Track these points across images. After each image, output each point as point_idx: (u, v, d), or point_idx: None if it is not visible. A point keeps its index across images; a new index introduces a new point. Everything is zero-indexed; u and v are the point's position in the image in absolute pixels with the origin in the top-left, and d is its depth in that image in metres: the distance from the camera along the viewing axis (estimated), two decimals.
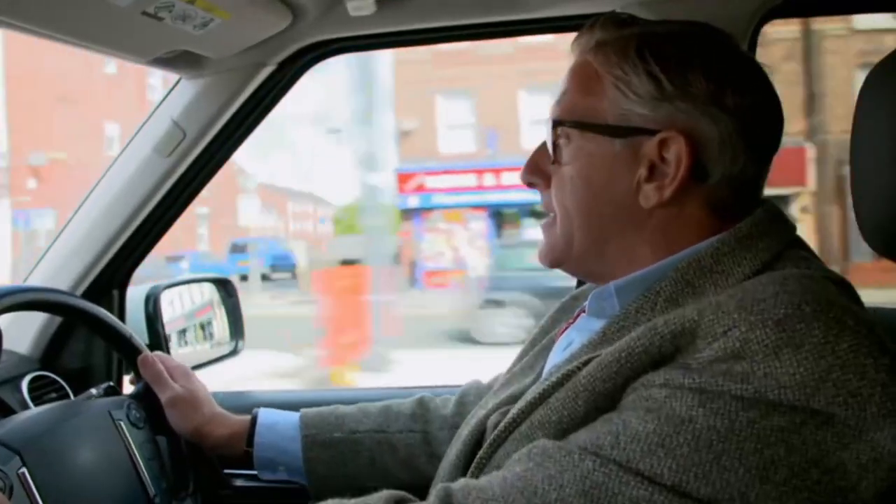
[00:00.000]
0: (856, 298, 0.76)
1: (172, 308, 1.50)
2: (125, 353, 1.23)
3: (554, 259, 0.90)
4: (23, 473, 0.91)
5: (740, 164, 0.81)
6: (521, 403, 0.82)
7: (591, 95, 0.84)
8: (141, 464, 1.10)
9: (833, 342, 0.64)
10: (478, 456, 0.83)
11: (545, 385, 0.79)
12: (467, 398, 1.23)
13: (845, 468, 0.62)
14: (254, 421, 1.21)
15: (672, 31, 0.85)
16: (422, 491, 0.78)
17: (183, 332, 1.53)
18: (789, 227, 0.83)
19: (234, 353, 1.60)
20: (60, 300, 1.16)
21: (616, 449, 0.66)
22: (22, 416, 1.06)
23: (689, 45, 0.83)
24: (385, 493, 0.78)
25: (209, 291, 1.62)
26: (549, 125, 0.87)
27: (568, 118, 0.85)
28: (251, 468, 1.22)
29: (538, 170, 0.90)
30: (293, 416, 1.22)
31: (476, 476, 0.80)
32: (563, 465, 0.67)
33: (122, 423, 1.11)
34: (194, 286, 1.61)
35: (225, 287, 1.62)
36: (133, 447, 1.10)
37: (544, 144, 0.89)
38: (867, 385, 0.63)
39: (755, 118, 0.81)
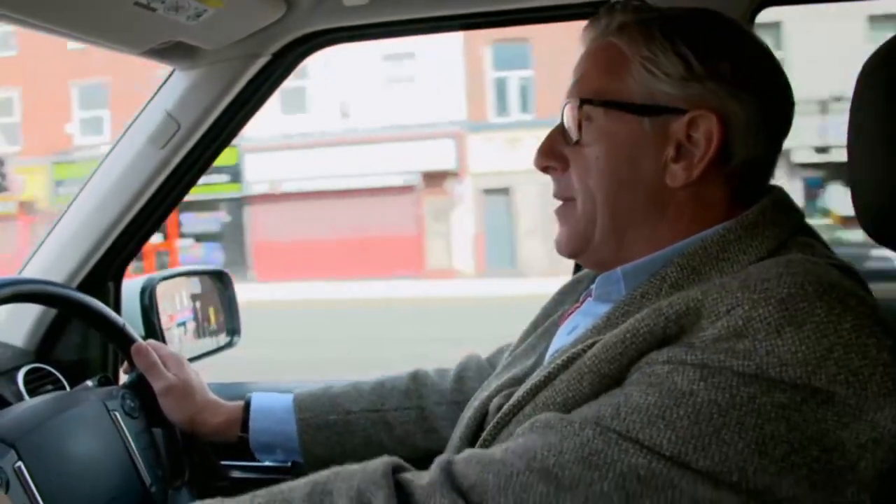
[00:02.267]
0: (862, 284, 0.76)
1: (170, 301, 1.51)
2: (118, 343, 1.23)
3: (576, 247, 0.89)
4: (19, 467, 0.91)
5: (760, 147, 0.82)
6: (525, 385, 0.82)
7: (616, 76, 0.83)
8: (136, 454, 1.11)
9: (835, 321, 0.65)
10: (481, 437, 0.84)
11: (550, 367, 0.79)
12: (466, 373, 1.23)
13: (844, 447, 0.62)
14: (247, 406, 1.21)
15: (691, 16, 0.85)
16: (419, 464, 0.78)
17: (180, 324, 1.53)
18: (796, 214, 0.84)
19: (229, 345, 1.61)
20: (54, 292, 1.16)
21: (616, 419, 0.66)
22: (17, 410, 1.06)
23: (711, 29, 0.84)
24: (386, 458, 0.78)
25: (205, 283, 1.62)
26: (574, 104, 0.85)
27: (595, 97, 0.84)
28: (246, 455, 1.22)
29: (555, 153, 0.89)
30: (286, 399, 1.22)
31: None
32: (564, 433, 0.68)
33: (116, 414, 1.11)
34: (190, 278, 1.61)
35: (221, 279, 1.62)
36: (128, 437, 1.11)
37: (557, 128, 0.89)
38: (868, 364, 0.64)
39: (774, 101, 0.83)
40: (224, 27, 1.24)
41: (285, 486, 0.73)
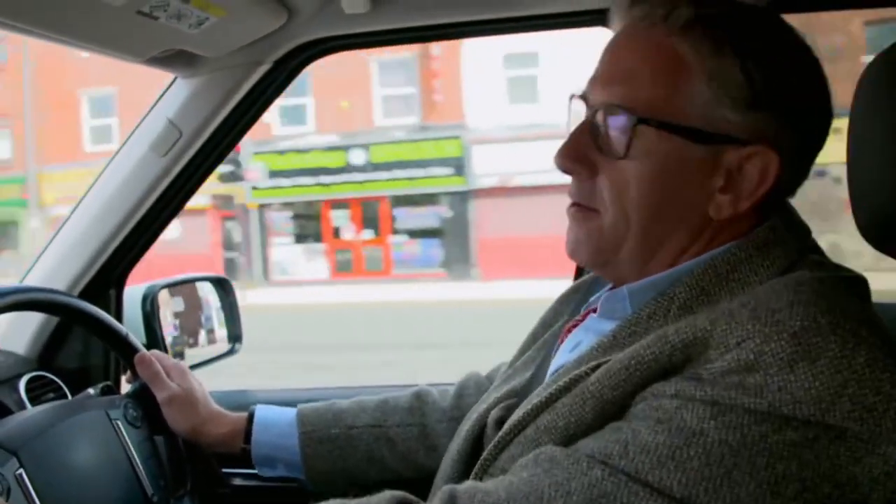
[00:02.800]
0: (867, 296, 0.75)
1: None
2: (122, 353, 1.23)
3: (596, 261, 0.84)
4: (20, 475, 0.91)
5: (803, 175, 0.80)
6: (526, 406, 0.80)
7: (674, 89, 0.74)
8: (139, 463, 1.10)
9: (849, 356, 0.63)
10: (482, 457, 0.82)
11: (552, 388, 0.77)
12: (466, 391, 1.22)
13: (857, 482, 0.62)
14: (251, 418, 1.21)
15: (756, 19, 0.77)
16: (421, 484, 0.78)
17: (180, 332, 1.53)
18: (804, 231, 0.82)
19: (231, 352, 1.60)
20: (56, 300, 1.16)
21: (625, 459, 0.65)
22: (19, 418, 1.06)
23: (777, 40, 0.77)
24: (388, 493, 0.78)
25: (206, 290, 1.61)
26: (619, 113, 0.76)
27: (649, 115, 0.75)
28: (249, 465, 1.22)
29: (583, 158, 0.80)
30: (290, 413, 1.22)
31: (480, 478, 0.80)
32: (571, 472, 0.66)
33: (119, 423, 1.11)
34: (192, 285, 1.61)
35: (222, 286, 1.62)
36: (130, 447, 1.11)
37: (588, 127, 0.80)
38: (882, 400, 0.62)
39: (823, 127, 0.78)
40: (226, 35, 1.25)
41: None
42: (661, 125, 0.74)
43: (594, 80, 0.81)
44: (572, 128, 0.83)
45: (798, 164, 0.78)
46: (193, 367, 1.39)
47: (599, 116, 0.78)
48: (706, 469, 0.62)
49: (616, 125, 0.77)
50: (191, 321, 1.55)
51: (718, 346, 0.66)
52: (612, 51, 0.80)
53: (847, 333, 0.64)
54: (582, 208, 0.82)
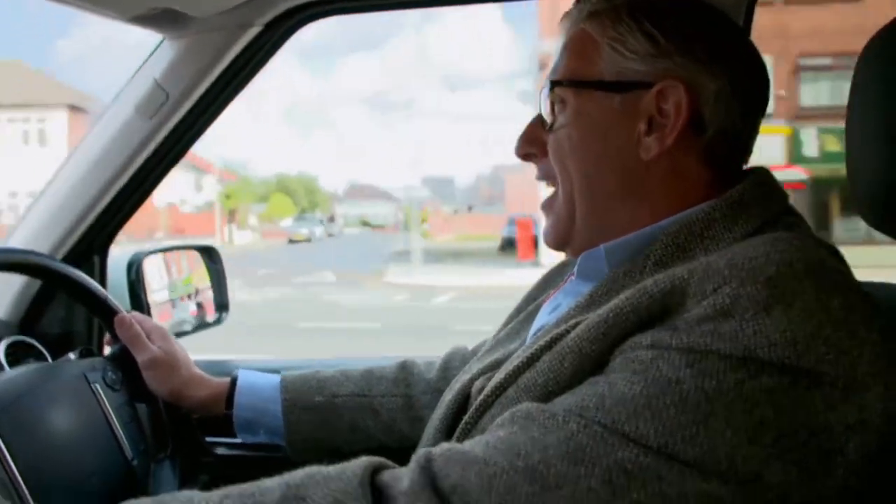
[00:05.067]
0: (845, 265, 0.75)
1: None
2: (101, 315, 1.21)
3: (559, 234, 0.89)
4: None
5: (734, 118, 0.82)
6: (507, 367, 0.81)
7: (587, 59, 0.85)
8: (118, 427, 1.09)
9: (825, 300, 0.64)
10: (463, 420, 0.83)
11: (533, 348, 0.78)
12: (452, 363, 1.22)
13: (832, 429, 0.61)
14: (233, 383, 1.20)
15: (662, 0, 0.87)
16: (404, 453, 0.76)
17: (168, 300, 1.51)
18: (781, 194, 0.83)
19: (218, 321, 1.59)
20: (32, 261, 1.14)
21: (601, 411, 0.65)
22: None
23: (679, 8, 0.85)
24: (364, 459, 0.76)
25: (193, 259, 1.59)
26: (546, 88, 0.88)
27: (565, 79, 0.86)
28: (230, 432, 1.21)
29: (534, 139, 0.90)
30: (273, 379, 1.21)
31: (461, 441, 0.79)
32: (547, 426, 0.66)
33: (97, 386, 1.09)
34: (178, 253, 1.59)
35: (209, 254, 1.60)
36: (110, 410, 1.09)
37: (537, 116, 0.90)
38: (857, 344, 0.63)
39: (744, 73, 0.83)
40: None
41: (255, 488, 0.70)
42: (572, 83, 0.85)
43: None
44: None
45: (726, 104, 0.81)
46: (179, 335, 1.37)
47: (540, 101, 0.89)
48: (682, 417, 0.62)
49: (545, 99, 0.88)
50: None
51: (695, 294, 0.66)
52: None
53: (822, 278, 0.65)
54: (548, 197, 0.91)
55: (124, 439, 1.09)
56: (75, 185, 1.39)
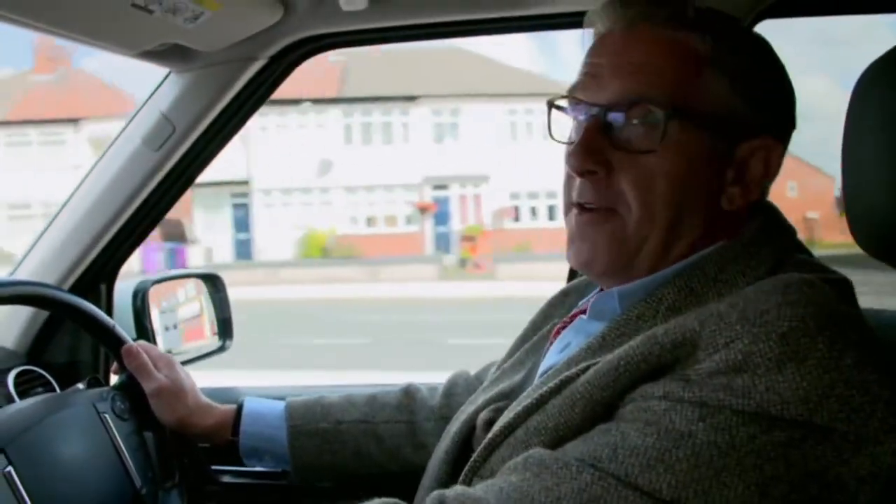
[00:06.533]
0: (854, 300, 0.75)
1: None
2: (108, 344, 1.22)
3: (616, 264, 0.80)
4: (8, 472, 0.90)
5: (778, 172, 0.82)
6: (517, 407, 0.80)
7: (692, 82, 0.75)
8: (127, 456, 1.10)
9: (837, 357, 0.63)
10: (472, 459, 0.82)
11: (542, 390, 0.77)
12: (455, 389, 1.23)
13: (844, 482, 0.62)
14: (239, 410, 1.21)
15: (751, 36, 0.84)
16: (407, 478, 0.77)
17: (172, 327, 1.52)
18: (790, 231, 0.83)
19: (221, 349, 1.59)
20: (42, 293, 1.15)
21: (614, 462, 0.65)
22: (6, 412, 1.05)
23: (761, 50, 0.82)
24: (379, 501, 0.77)
25: (198, 287, 1.60)
26: (644, 106, 0.76)
27: (674, 107, 0.75)
28: (236, 459, 1.21)
29: (600, 155, 0.78)
30: (279, 406, 1.21)
31: (469, 479, 0.80)
32: (561, 476, 0.66)
33: (106, 416, 1.10)
34: (183, 281, 1.60)
35: (213, 283, 1.61)
36: (118, 439, 1.10)
37: (601, 126, 0.78)
38: (870, 401, 0.63)
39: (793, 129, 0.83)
40: (221, 30, 1.24)
41: None
42: (687, 116, 0.75)
43: (593, 79, 0.80)
44: (557, 135, 0.84)
45: (780, 163, 0.81)
46: (184, 363, 1.38)
47: (615, 112, 0.77)
48: (695, 471, 0.62)
49: (641, 119, 0.76)
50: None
51: (707, 346, 0.66)
52: (612, 48, 0.79)
53: (835, 335, 0.64)
54: (595, 213, 0.80)
55: (133, 468, 1.10)
56: (83, 215, 1.41)
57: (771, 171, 0.79)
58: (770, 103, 0.79)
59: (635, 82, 0.76)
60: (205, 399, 1.23)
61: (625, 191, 0.77)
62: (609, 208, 0.79)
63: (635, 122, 0.77)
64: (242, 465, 1.24)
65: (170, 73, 1.37)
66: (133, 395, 1.19)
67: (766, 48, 0.82)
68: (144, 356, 1.20)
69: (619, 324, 0.78)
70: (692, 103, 0.75)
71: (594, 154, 0.78)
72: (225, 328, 1.60)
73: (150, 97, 1.38)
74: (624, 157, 0.77)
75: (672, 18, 0.77)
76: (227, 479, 1.40)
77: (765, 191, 0.83)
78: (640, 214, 0.77)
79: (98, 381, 1.25)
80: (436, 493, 0.72)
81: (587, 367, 0.74)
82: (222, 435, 1.20)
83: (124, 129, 1.39)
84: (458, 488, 0.73)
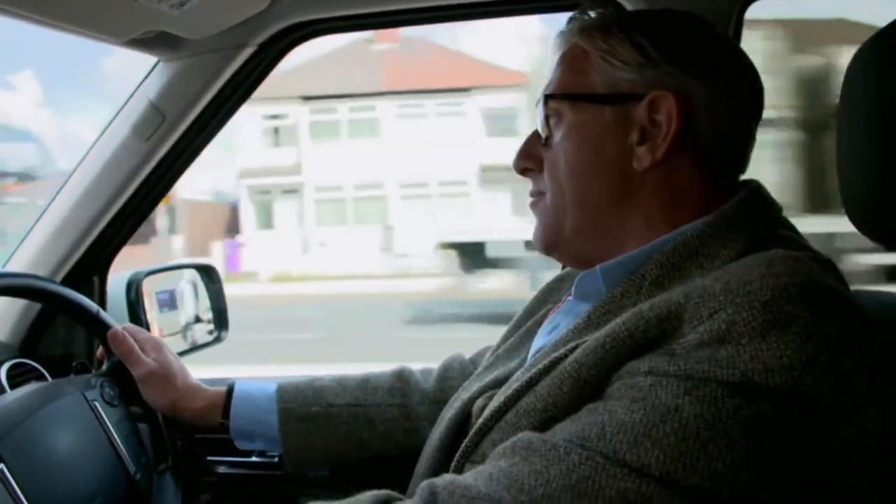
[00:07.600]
0: (841, 279, 0.74)
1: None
2: (94, 330, 1.20)
3: (548, 240, 0.90)
4: (1, 470, 0.89)
5: (726, 127, 0.82)
6: (507, 391, 0.80)
7: (579, 72, 0.86)
8: (119, 442, 1.09)
9: (821, 325, 0.63)
10: (463, 444, 0.82)
11: (532, 372, 0.78)
12: (449, 373, 1.22)
13: (831, 451, 0.61)
14: (230, 392, 1.20)
15: (650, 12, 0.91)
16: (400, 461, 0.76)
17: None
18: (774, 207, 0.83)
19: (217, 340, 1.59)
20: (20, 283, 1.13)
21: (602, 440, 0.64)
22: None
23: (667, 21, 0.87)
24: (371, 494, 0.77)
25: (193, 278, 1.60)
26: (541, 103, 0.89)
27: (558, 93, 0.87)
28: (231, 449, 1.21)
29: (532, 155, 0.91)
30: (270, 388, 1.20)
31: (461, 465, 0.80)
32: (549, 458, 0.66)
33: (96, 403, 1.09)
34: (177, 272, 1.60)
35: (208, 273, 1.60)
36: (110, 426, 1.09)
37: (535, 133, 0.91)
38: (854, 369, 0.62)
39: (737, 83, 0.84)
40: (208, 17, 1.23)
41: None
42: (566, 97, 0.87)
43: None
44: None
45: (717, 111, 0.82)
46: (180, 354, 1.38)
47: (541, 117, 0.90)
48: (682, 444, 0.61)
49: (541, 113, 0.89)
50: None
51: (692, 319, 0.66)
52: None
53: (819, 303, 0.64)
54: (534, 200, 0.92)
55: (126, 454, 1.09)
56: (74, 206, 1.41)
57: (674, 121, 0.80)
58: (662, 67, 0.82)
59: (546, 88, 0.90)
60: (194, 381, 1.22)
61: (545, 177, 0.89)
62: (540, 192, 0.91)
63: (540, 118, 0.90)
64: (237, 456, 1.24)
65: (158, 61, 1.36)
66: (122, 380, 1.18)
67: (670, 20, 0.87)
68: (131, 340, 1.19)
69: (604, 302, 0.80)
70: (580, 89, 0.86)
71: (526, 155, 0.92)
72: (220, 319, 1.60)
73: (138, 86, 1.37)
74: (546, 151, 0.90)
75: (574, 30, 0.89)
76: (221, 469, 1.40)
77: (699, 148, 0.83)
78: (553, 192, 0.88)
79: (85, 365, 1.24)
80: (426, 482, 0.72)
81: (575, 347, 0.75)
82: (213, 417, 1.19)
83: (113, 118, 1.38)
84: (447, 476, 0.72)
